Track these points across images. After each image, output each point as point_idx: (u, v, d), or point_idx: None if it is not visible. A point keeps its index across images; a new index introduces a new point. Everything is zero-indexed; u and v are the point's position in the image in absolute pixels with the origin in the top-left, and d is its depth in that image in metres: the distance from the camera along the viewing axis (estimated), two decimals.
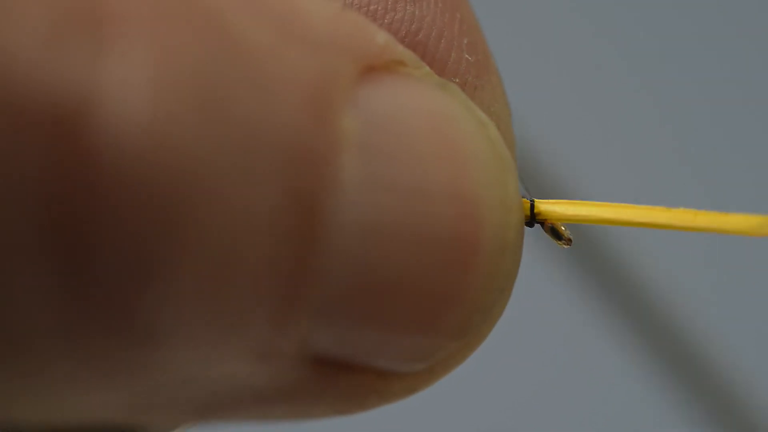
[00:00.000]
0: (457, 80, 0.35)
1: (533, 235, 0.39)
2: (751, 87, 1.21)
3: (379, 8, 0.32)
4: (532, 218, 0.37)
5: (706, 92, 1.22)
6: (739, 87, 1.21)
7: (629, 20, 1.24)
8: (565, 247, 0.38)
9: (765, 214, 0.35)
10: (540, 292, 1.09)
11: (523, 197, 0.38)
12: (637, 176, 1.19)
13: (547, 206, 0.37)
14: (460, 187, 0.27)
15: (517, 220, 0.31)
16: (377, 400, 0.30)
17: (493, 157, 0.28)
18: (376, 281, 0.26)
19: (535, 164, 1.14)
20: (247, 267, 0.24)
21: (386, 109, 0.25)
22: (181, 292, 0.23)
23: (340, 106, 0.24)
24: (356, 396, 0.29)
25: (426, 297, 0.28)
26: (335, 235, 0.25)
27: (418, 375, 0.30)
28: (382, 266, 0.26)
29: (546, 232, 0.38)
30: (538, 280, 1.14)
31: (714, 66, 1.22)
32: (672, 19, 1.23)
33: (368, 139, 0.25)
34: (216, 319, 0.24)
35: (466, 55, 0.35)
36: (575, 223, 0.38)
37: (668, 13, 1.23)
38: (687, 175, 1.20)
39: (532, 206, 0.38)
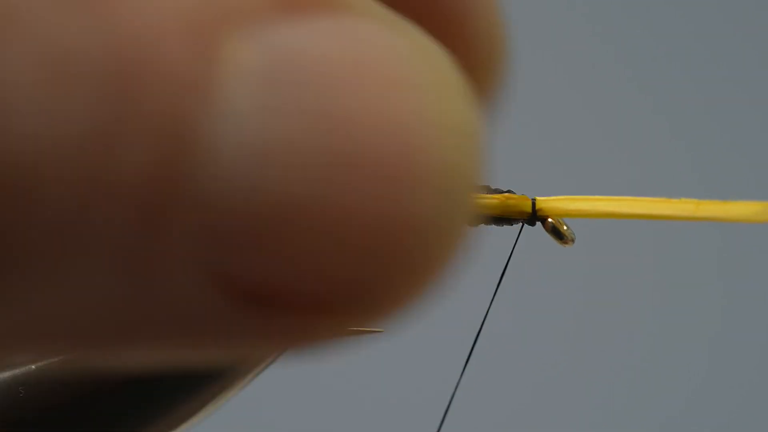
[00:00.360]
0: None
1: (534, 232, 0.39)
2: (744, 85, 1.21)
3: None
4: (534, 216, 0.37)
5: (703, 90, 1.22)
6: (734, 84, 1.21)
7: (628, 20, 1.24)
8: (568, 246, 0.38)
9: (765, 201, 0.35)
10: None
11: (523, 195, 0.38)
12: (636, 171, 1.19)
13: (548, 203, 0.37)
14: (381, 113, 0.26)
15: (463, 144, 0.27)
16: (310, 335, 0.28)
17: (437, 83, 0.27)
18: (274, 203, 0.26)
19: (535, 162, 1.14)
20: (118, 180, 0.24)
21: (302, 40, 0.25)
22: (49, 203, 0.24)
23: (229, 36, 0.24)
24: (286, 329, 0.28)
25: (345, 225, 0.26)
26: (217, 158, 0.25)
27: (360, 313, 0.28)
28: (280, 188, 0.26)
29: (547, 231, 0.38)
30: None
31: (711, 65, 1.22)
32: (669, 20, 1.23)
33: (269, 68, 0.25)
34: (83, 223, 0.24)
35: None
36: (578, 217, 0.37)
37: (666, 13, 1.23)
38: (685, 169, 1.20)
39: (533, 204, 0.37)
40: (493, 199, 0.38)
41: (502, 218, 0.38)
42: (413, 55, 0.27)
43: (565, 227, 0.38)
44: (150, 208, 0.25)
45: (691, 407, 1.15)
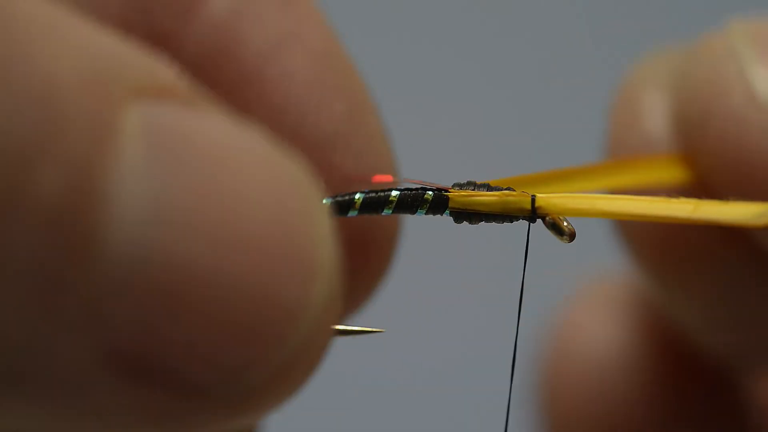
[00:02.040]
0: (330, 128, 0.39)
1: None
2: None
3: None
4: (533, 213, 0.37)
5: None
6: None
7: (628, 19, 1.24)
8: (568, 242, 0.38)
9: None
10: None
11: (522, 192, 0.38)
12: None
13: (547, 200, 0.37)
14: (254, 199, 0.29)
15: (326, 252, 0.30)
16: (195, 423, 0.30)
17: (294, 186, 0.30)
18: (157, 267, 0.28)
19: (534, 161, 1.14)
20: (29, 204, 0.26)
21: (169, 116, 0.29)
22: None
23: (119, 101, 0.28)
24: (167, 412, 0.29)
25: (219, 296, 0.29)
26: (115, 206, 0.28)
27: (240, 400, 0.30)
28: (164, 253, 0.28)
29: (547, 227, 0.38)
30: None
31: None
32: (669, 19, 1.23)
33: (152, 133, 0.28)
34: None
35: (337, 105, 0.40)
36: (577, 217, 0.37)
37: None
38: None
39: (533, 201, 0.37)
40: (493, 197, 0.38)
41: (502, 216, 0.38)
42: (270, 156, 0.30)
43: (565, 223, 0.38)
44: (58, 242, 0.27)
45: None
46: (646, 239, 0.43)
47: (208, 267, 0.28)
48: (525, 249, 0.39)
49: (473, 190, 0.38)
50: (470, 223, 0.39)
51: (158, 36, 0.39)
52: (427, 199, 0.39)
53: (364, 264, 0.41)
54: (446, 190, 0.39)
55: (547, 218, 0.38)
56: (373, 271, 0.42)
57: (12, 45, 0.27)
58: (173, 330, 0.28)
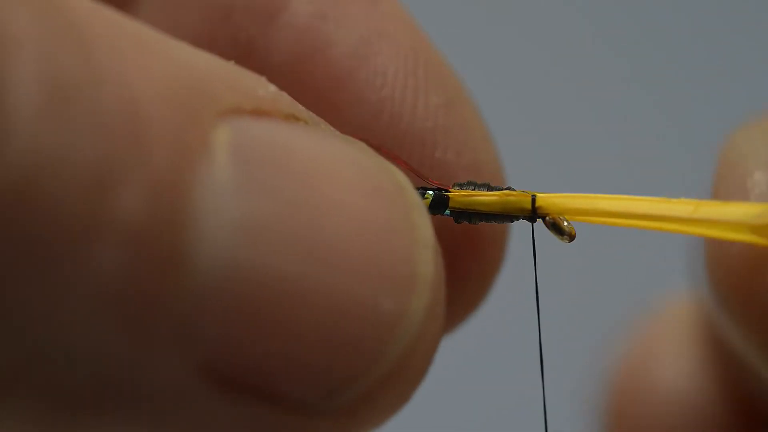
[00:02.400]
0: (429, 123, 0.38)
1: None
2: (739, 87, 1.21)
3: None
4: (534, 213, 0.37)
5: (705, 89, 1.21)
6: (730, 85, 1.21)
7: (628, 18, 1.24)
8: (568, 242, 0.38)
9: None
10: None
11: (522, 191, 0.38)
12: (636, 170, 1.19)
13: (548, 200, 0.37)
14: (351, 210, 0.29)
15: (427, 260, 0.30)
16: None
17: (392, 195, 0.30)
18: (252, 283, 0.28)
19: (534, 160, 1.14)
20: (97, 231, 0.26)
21: (262, 132, 0.29)
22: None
23: (211, 118, 0.28)
24: (264, 428, 0.29)
25: (315, 310, 0.28)
26: (206, 225, 0.27)
27: (339, 415, 0.29)
28: (258, 268, 0.28)
29: (547, 227, 0.38)
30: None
31: (713, 64, 1.22)
32: (670, 18, 1.23)
33: (243, 149, 0.29)
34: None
35: (433, 98, 0.39)
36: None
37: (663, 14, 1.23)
38: (686, 169, 1.20)
39: (533, 201, 0.37)
40: (493, 196, 0.38)
41: (503, 216, 0.38)
42: (371, 168, 0.30)
43: (565, 223, 0.38)
44: (147, 263, 0.27)
45: None
46: (732, 282, 0.39)
47: (301, 283, 0.28)
48: (533, 249, 0.39)
49: (473, 189, 0.38)
50: (470, 222, 0.39)
51: (242, 45, 0.38)
52: (427, 199, 0.39)
53: (471, 270, 0.40)
54: (446, 190, 0.39)
55: (548, 218, 0.38)
56: (481, 278, 0.41)
57: (99, 64, 0.26)
58: (269, 345, 0.28)
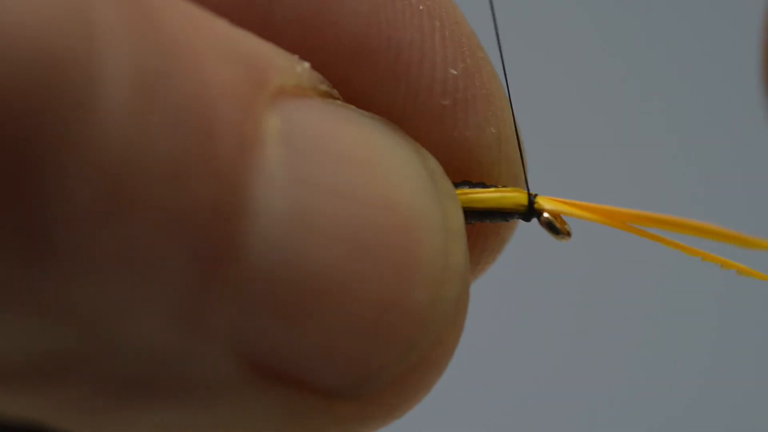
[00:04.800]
0: (447, 101, 0.37)
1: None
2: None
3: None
4: (530, 210, 0.37)
5: (706, 89, 1.22)
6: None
7: (629, 18, 1.24)
8: (564, 241, 0.38)
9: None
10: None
11: (518, 188, 0.38)
12: (636, 171, 1.19)
13: (546, 202, 0.37)
14: (392, 200, 0.29)
15: (459, 250, 0.31)
16: (323, 423, 0.30)
17: (428, 183, 0.30)
18: (300, 274, 0.28)
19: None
20: (171, 225, 0.26)
21: (307, 118, 0.29)
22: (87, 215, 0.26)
23: (263, 106, 0.28)
24: (298, 413, 0.29)
25: (357, 302, 0.29)
26: (260, 216, 0.27)
27: (368, 401, 0.30)
28: (306, 260, 0.28)
29: (542, 225, 0.37)
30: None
31: (714, 64, 1.22)
32: (671, 18, 1.23)
33: (292, 137, 0.28)
34: (131, 259, 0.26)
35: (451, 70, 0.37)
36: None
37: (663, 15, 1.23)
38: (687, 168, 1.20)
39: (531, 200, 0.37)
40: (488, 193, 0.37)
41: (497, 212, 0.38)
42: (405, 154, 0.30)
43: (561, 222, 0.38)
44: (205, 265, 0.27)
45: (693, 405, 1.15)
46: None
47: (347, 272, 0.28)
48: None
49: (469, 189, 0.38)
50: (466, 222, 0.39)
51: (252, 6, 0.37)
52: None
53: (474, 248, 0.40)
54: None
55: (543, 216, 0.38)
56: (483, 257, 0.41)
57: (176, 55, 0.27)
58: (313, 337, 0.28)
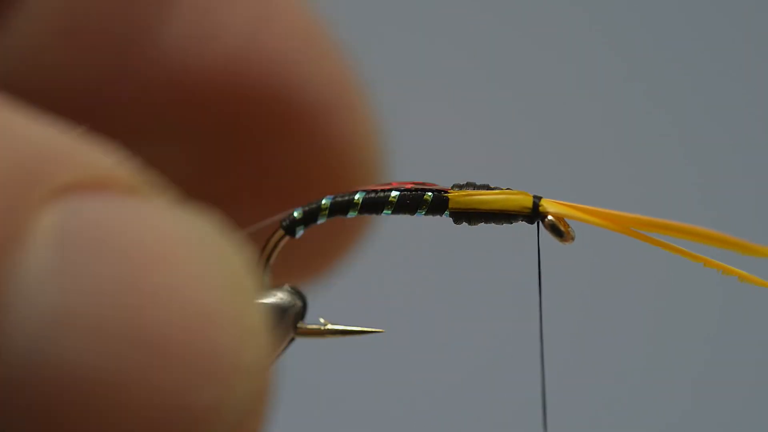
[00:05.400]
0: (320, 106, 0.38)
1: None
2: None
3: None
4: (535, 213, 0.37)
5: (707, 89, 1.22)
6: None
7: (631, 19, 1.24)
8: (567, 244, 0.38)
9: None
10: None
11: (523, 191, 0.38)
12: (637, 170, 1.19)
13: (550, 205, 0.37)
14: (181, 299, 0.28)
15: (255, 347, 0.29)
16: None
17: (228, 282, 0.29)
18: (63, 380, 0.27)
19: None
20: None
21: (96, 214, 0.28)
22: None
23: (38, 203, 0.27)
24: None
25: (134, 404, 0.27)
26: (21, 313, 0.26)
27: None
28: (69, 360, 0.27)
29: (546, 228, 0.38)
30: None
31: (715, 64, 1.22)
32: (672, 18, 1.23)
33: (68, 234, 0.27)
34: None
35: (324, 80, 0.39)
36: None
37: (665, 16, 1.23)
38: (688, 168, 1.20)
39: (535, 201, 0.37)
40: (494, 195, 0.38)
41: (502, 216, 0.38)
42: (206, 249, 0.29)
43: (565, 225, 0.38)
44: None
45: (693, 405, 1.15)
46: None
47: (118, 373, 0.27)
48: (537, 249, 0.39)
49: (473, 190, 0.38)
50: (469, 224, 0.39)
51: (138, 29, 0.38)
52: (426, 200, 0.39)
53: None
54: (446, 191, 0.39)
55: (547, 219, 0.38)
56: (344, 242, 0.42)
57: None
58: None
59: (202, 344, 0.28)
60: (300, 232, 0.40)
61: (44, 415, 0.26)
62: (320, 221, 0.40)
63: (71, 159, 0.28)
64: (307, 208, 0.40)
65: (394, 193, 0.39)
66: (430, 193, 0.39)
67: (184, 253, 0.28)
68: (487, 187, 0.38)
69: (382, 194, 0.39)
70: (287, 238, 0.40)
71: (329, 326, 0.41)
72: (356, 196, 0.39)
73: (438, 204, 0.38)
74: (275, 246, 0.40)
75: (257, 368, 0.29)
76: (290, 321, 0.39)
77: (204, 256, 0.29)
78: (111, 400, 0.27)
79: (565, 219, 0.38)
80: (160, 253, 0.28)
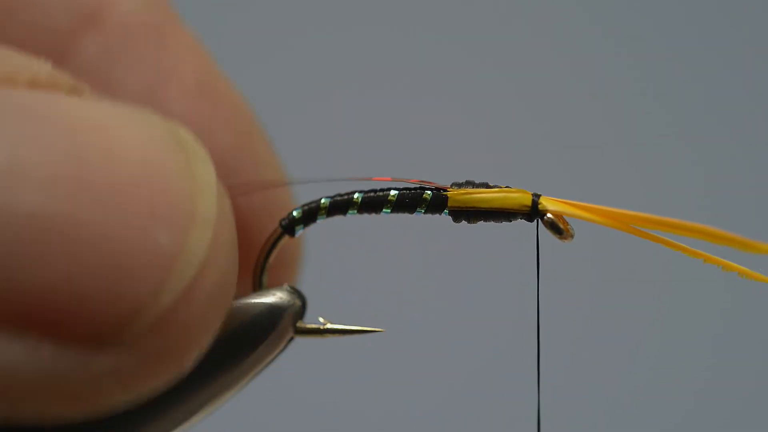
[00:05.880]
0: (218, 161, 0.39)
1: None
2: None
3: None
4: (534, 211, 0.37)
5: (708, 88, 1.22)
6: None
7: (632, 19, 1.24)
8: (567, 242, 0.38)
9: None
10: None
11: (522, 189, 0.38)
12: (637, 170, 1.19)
13: (549, 203, 0.37)
14: (123, 154, 0.31)
15: (209, 201, 0.32)
16: (91, 377, 0.31)
17: (171, 144, 0.32)
18: (15, 218, 0.29)
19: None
20: None
21: (30, 97, 0.31)
22: None
23: None
24: (55, 366, 0.30)
25: (90, 247, 0.30)
26: None
27: (135, 347, 0.31)
28: (19, 205, 0.29)
29: (545, 226, 0.38)
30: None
31: (715, 64, 1.22)
32: (673, 18, 1.23)
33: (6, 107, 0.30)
34: None
35: (222, 137, 0.42)
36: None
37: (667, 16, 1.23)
38: (689, 167, 1.20)
39: (534, 201, 0.37)
40: (494, 193, 0.38)
41: (501, 214, 0.38)
42: (152, 120, 0.33)
43: (563, 222, 0.38)
44: None
45: (692, 404, 1.15)
46: None
47: (71, 218, 0.30)
48: (536, 247, 0.39)
49: (472, 188, 0.38)
50: (469, 222, 0.39)
51: None
52: (425, 199, 0.39)
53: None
54: (445, 190, 0.39)
55: (546, 217, 0.38)
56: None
57: None
58: (46, 279, 0.29)
59: (157, 194, 0.31)
60: (299, 232, 0.40)
61: (8, 255, 0.29)
62: (320, 220, 0.40)
63: (7, 61, 0.31)
64: (306, 208, 0.40)
65: (393, 192, 0.39)
66: (429, 192, 0.39)
67: (126, 127, 0.32)
68: (486, 186, 0.38)
69: (381, 193, 0.39)
70: (286, 237, 0.40)
71: (329, 326, 0.41)
72: (355, 195, 0.39)
73: (437, 202, 0.38)
74: (274, 245, 0.40)
75: (214, 219, 0.32)
76: (289, 321, 0.39)
77: (147, 129, 0.32)
78: (69, 242, 0.30)
79: (564, 216, 0.38)
80: (103, 127, 0.31)
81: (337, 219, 0.40)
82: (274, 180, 0.43)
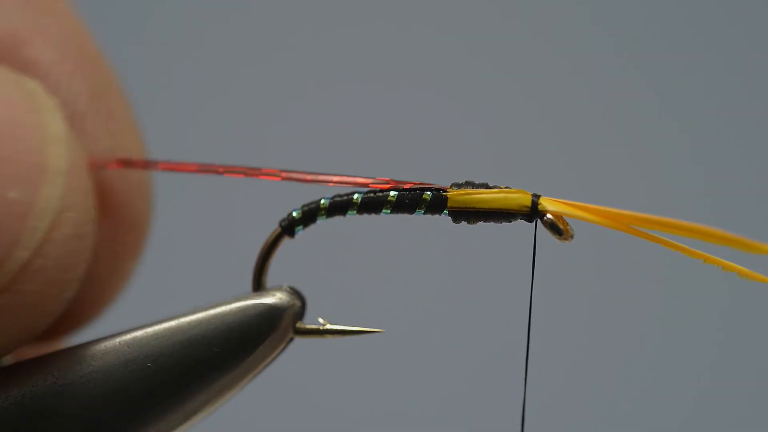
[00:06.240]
0: (74, 109, 0.40)
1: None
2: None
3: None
4: (534, 211, 0.37)
5: (708, 87, 1.22)
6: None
7: (633, 20, 1.24)
8: (566, 242, 0.38)
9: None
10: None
11: (522, 189, 0.38)
12: (637, 169, 1.19)
13: (549, 203, 0.37)
14: None
15: (60, 154, 0.33)
16: None
17: (18, 98, 0.33)
18: None
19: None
20: None
21: None
22: None
23: None
24: None
25: None
26: None
27: (10, 292, 0.32)
28: None
29: (545, 226, 0.38)
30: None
31: (715, 64, 1.22)
32: (673, 19, 1.23)
33: None
34: None
35: (79, 86, 0.41)
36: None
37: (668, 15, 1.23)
38: (689, 168, 1.20)
39: (534, 202, 0.37)
40: (491, 193, 0.38)
41: (501, 215, 0.38)
42: (11, 79, 0.34)
43: (563, 223, 0.38)
44: None
45: (692, 403, 1.15)
46: None
47: None
48: (533, 248, 0.39)
49: (472, 189, 0.38)
50: (468, 222, 0.39)
51: None
52: (425, 199, 0.39)
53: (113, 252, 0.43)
54: (444, 190, 0.39)
55: (546, 217, 0.38)
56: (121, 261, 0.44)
57: None
58: None
59: (5, 149, 0.31)
60: (299, 232, 0.40)
61: None
62: (319, 220, 0.40)
63: None
64: (306, 208, 0.40)
65: (392, 193, 0.39)
66: (428, 192, 0.39)
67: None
68: (486, 186, 0.38)
69: (381, 193, 0.39)
70: (286, 237, 0.40)
71: (328, 326, 0.41)
72: (355, 196, 0.39)
73: (437, 203, 0.38)
74: (273, 245, 0.40)
75: (65, 171, 0.33)
76: (289, 321, 0.39)
77: None
78: None
79: (564, 217, 0.38)
80: None
81: (337, 219, 0.40)
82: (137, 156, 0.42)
